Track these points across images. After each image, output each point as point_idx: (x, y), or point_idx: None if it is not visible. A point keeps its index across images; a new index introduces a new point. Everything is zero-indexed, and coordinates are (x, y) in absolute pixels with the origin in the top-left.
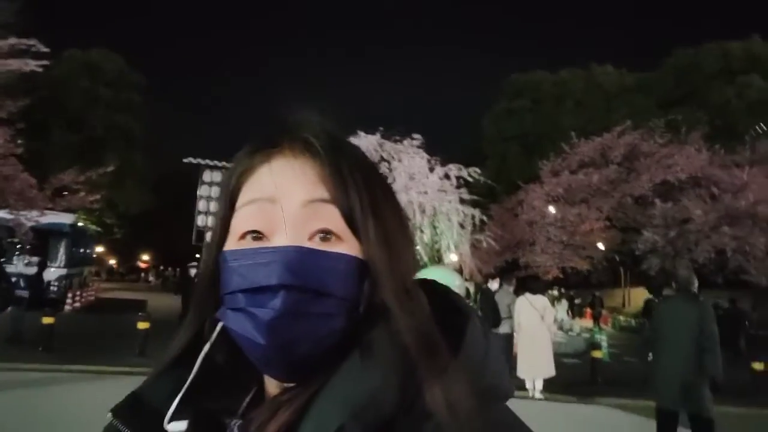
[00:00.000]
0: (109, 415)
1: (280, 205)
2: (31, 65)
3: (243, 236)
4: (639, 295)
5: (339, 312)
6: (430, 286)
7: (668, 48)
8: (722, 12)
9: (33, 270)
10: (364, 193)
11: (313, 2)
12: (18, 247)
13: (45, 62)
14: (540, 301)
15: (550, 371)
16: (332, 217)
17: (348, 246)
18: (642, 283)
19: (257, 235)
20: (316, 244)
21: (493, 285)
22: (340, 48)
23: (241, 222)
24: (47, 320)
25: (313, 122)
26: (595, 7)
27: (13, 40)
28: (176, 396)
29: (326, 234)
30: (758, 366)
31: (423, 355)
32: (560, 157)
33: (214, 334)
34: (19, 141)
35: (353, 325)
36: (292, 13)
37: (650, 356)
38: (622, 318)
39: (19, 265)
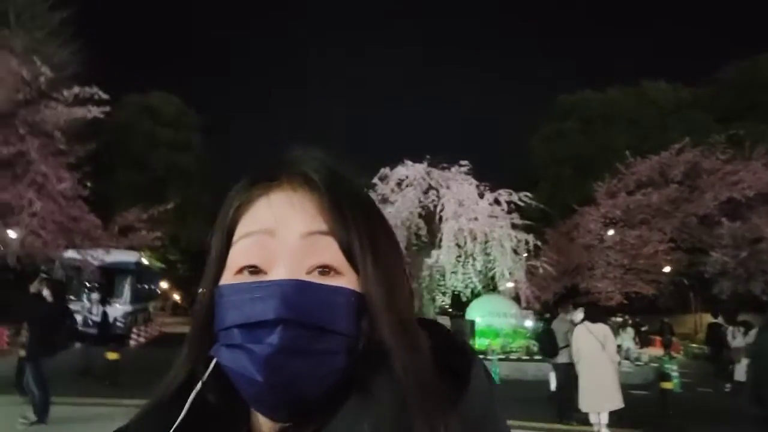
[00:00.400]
0: None
1: (279, 238)
2: (94, 112)
3: (240, 271)
4: (706, 321)
5: (340, 349)
6: (431, 325)
7: (722, 61)
8: None
9: (99, 307)
10: (362, 227)
11: (359, 32)
12: (86, 285)
13: (106, 108)
14: (600, 328)
15: (617, 403)
16: (331, 250)
17: (347, 280)
18: (713, 308)
19: (254, 269)
20: (315, 278)
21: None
22: (384, 77)
23: (238, 256)
24: (112, 356)
25: (313, 157)
26: (641, 22)
27: (76, 89)
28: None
29: (325, 268)
30: None
31: (420, 401)
32: (615, 178)
33: (207, 373)
34: (87, 183)
35: (353, 364)
36: (341, 43)
37: (727, 387)
38: (694, 345)
39: (87, 304)
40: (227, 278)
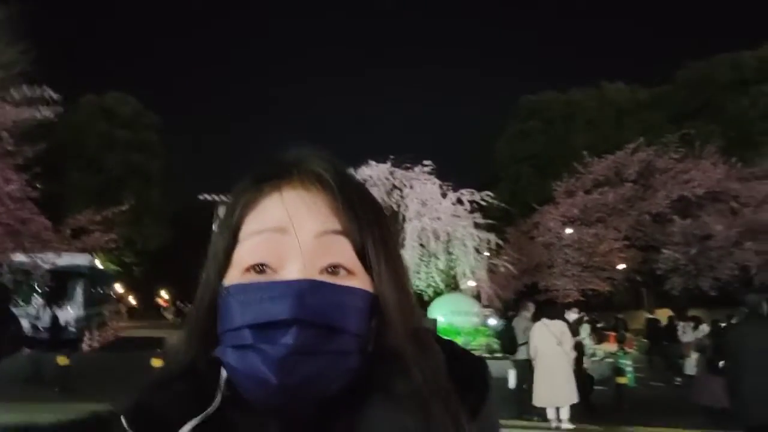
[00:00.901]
0: (124, 422)
1: (293, 236)
2: (44, 112)
3: (248, 269)
4: (663, 317)
5: (353, 350)
6: (438, 337)
7: (679, 61)
8: (732, 22)
9: (49, 312)
10: (375, 229)
11: (320, 26)
12: (36, 289)
13: (58, 109)
14: (557, 326)
15: (572, 398)
16: (344, 250)
17: (359, 281)
18: (666, 304)
19: (264, 268)
20: (328, 278)
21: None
22: (346, 73)
23: (246, 254)
24: (63, 361)
25: (322, 156)
26: (602, 25)
27: (25, 90)
28: (185, 415)
29: (337, 268)
30: None
31: (442, 407)
32: (574, 177)
33: (222, 378)
34: (37, 185)
35: (364, 365)
36: (299, 39)
37: (678, 380)
38: (645, 341)
39: (36, 308)
40: (234, 277)
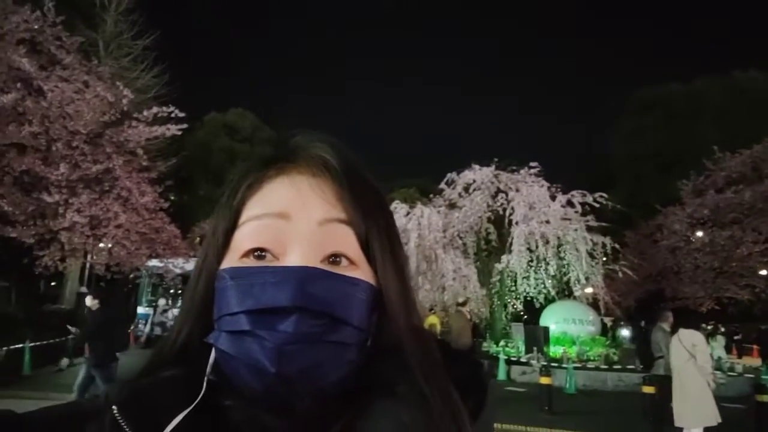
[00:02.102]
0: (114, 408)
1: (296, 222)
2: (172, 130)
3: (247, 254)
4: None
5: (352, 341)
6: (435, 337)
7: None
8: None
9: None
10: (381, 221)
11: (423, 37)
12: (168, 291)
13: (183, 126)
14: (687, 336)
15: (706, 419)
16: (348, 240)
17: (362, 272)
18: None
19: (264, 253)
20: (330, 267)
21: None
22: (444, 80)
23: (247, 237)
24: None
25: (330, 143)
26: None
27: (155, 109)
28: (177, 404)
29: (340, 257)
30: None
31: (443, 407)
32: (703, 175)
33: (210, 363)
34: (170, 197)
35: (364, 359)
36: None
37: None
38: None
39: (165, 309)
40: (232, 260)
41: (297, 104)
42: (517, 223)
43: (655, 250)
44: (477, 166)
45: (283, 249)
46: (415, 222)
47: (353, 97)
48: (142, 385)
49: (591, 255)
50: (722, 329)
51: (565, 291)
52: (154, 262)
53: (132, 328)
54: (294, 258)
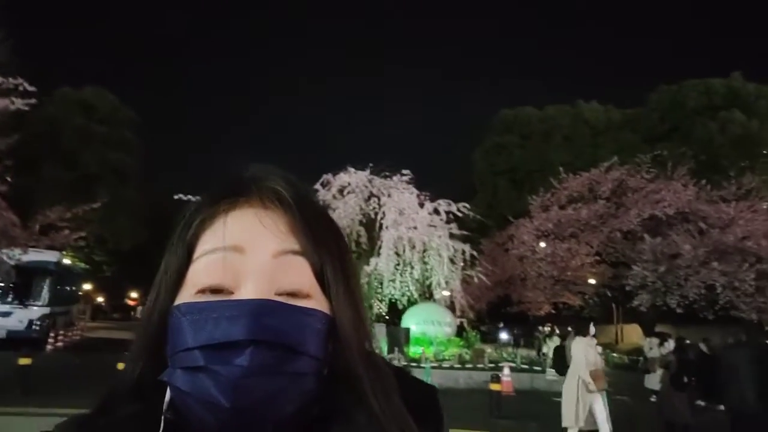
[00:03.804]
0: None
1: (249, 256)
2: (18, 104)
3: (203, 290)
4: (632, 332)
5: (310, 372)
6: (385, 359)
7: (653, 84)
8: (704, 50)
9: (12, 309)
10: (334, 250)
11: (311, 32)
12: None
13: (32, 100)
14: (574, 344)
15: (569, 421)
16: (302, 271)
17: (317, 302)
18: (634, 320)
19: (218, 289)
20: (285, 299)
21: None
22: (328, 82)
23: (200, 273)
24: (24, 361)
25: (280, 175)
26: (581, 43)
27: None
28: None
29: (295, 289)
30: None
31: (397, 430)
32: (549, 192)
33: (166, 401)
34: (6, 178)
35: (320, 388)
36: (286, 45)
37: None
38: (615, 355)
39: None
40: (186, 297)
41: (163, 88)
42: (387, 227)
43: (506, 258)
44: (352, 169)
45: (237, 283)
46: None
47: (231, 85)
48: (98, 425)
49: (452, 260)
50: (557, 331)
51: (426, 294)
52: None
53: None
54: (248, 291)
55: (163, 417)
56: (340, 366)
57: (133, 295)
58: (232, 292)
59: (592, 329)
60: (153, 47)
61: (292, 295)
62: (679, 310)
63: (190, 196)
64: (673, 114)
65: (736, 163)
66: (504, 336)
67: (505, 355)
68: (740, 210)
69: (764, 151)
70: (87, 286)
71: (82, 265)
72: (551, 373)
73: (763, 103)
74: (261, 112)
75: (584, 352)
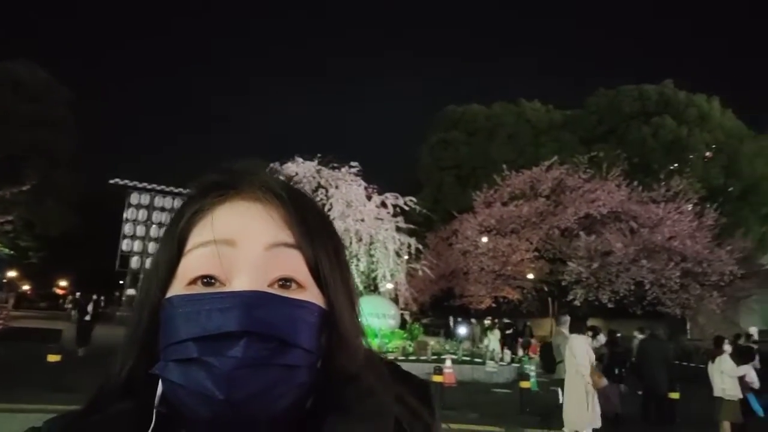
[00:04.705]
0: None
1: (242, 248)
2: None
3: (194, 281)
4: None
5: (304, 364)
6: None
7: (592, 87)
8: (639, 58)
9: None
10: (328, 243)
11: (255, 22)
12: None
13: None
14: (576, 343)
15: (580, 424)
16: (296, 264)
17: (310, 294)
18: (569, 313)
19: (210, 280)
20: (278, 291)
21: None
22: (279, 72)
23: (192, 266)
24: None
25: (272, 169)
26: (527, 44)
27: None
28: None
29: (288, 281)
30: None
31: (394, 424)
32: (493, 189)
33: (158, 395)
34: None
35: (315, 381)
36: (229, 30)
37: None
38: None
39: None
40: (177, 289)
41: (101, 68)
42: (334, 219)
43: (449, 253)
44: (300, 159)
45: (230, 276)
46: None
47: (164, 70)
48: (89, 422)
49: (398, 254)
50: (498, 324)
51: (371, 286)
52: None
53: None
54: (241, 283)
55: (155, 411)
56: (335, 359)
57: (62, 283)
58: (224, 284)
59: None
60: (89, 24)
61: (286, 287)
62: (610, 305)
63: (127, 181)
64: (610, 117)
65: (665, 166)
66: (463, 331)
67: (447, 347)
68: (668, 211)
69: (691, 156)
70: (11, 273)
71: (7, 250)
72: (491, 365)
73: (693, 111)
74: (204, 95)
75: (586, 350)
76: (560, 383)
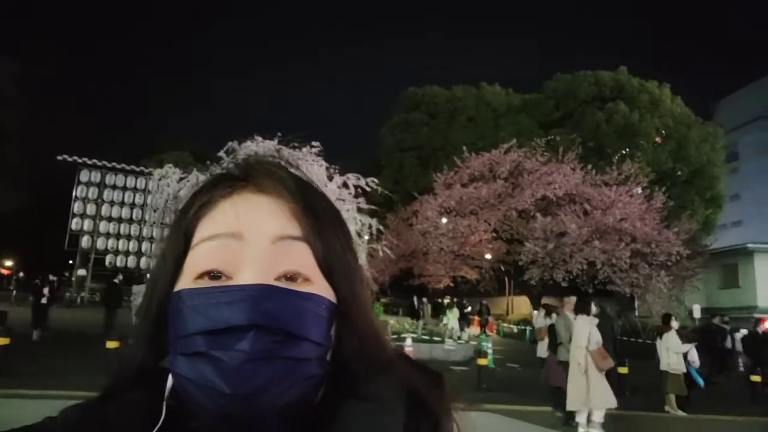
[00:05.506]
0: None
1: (248, 241)
2: None
3: (201, 276)
4: (522, 303)
5: (311, 357)
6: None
7: (550, 71)
8: (596, 44)
9: None
10: (337, 236)
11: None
12: None
13: None
14: (578, 324)
15: (576, 404)
16: (303, 256)
17: (316, 288)
18: (525, 292)
19: (218, 274)
20: (285, 284)
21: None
22: (240, 51)
23: (199, 259)
24: None
25: (279, 161)
26: (491, 26)
27: None
28: (137, 429)
29: (295, 274)
30: (623, 369)
31: (408, 420)
32: (453, 171)
33: (168, 387)
34: None
35: (324, 373)
36: (189, 8)
37: None
38: (505, 325)
39: None
40: (185, 283)
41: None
42: None
43: (410, 233)
44: (259, 138)
45: (237, 269)
46: (189, 189)
47: (121, 41)
48: (102, 410)
49: (359, 234)
50: (456, 302)
51: None
52: None
53: None
54: (247, 276)
55: (165, 403)
56: (346, 351)
57: (8, 263)
58: (231, 278)
59: (594, 308)
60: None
61: (293, 280)
62: (564, 284)
63: (76, 158)
64: (566, 102)
65: (617, 150)
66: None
67: (407, 326)
68: (619, 194)
69: (642, 141)
70: None
71: None
72: (449, 343)
73: (645, 97)
74: (158, 71)
75: (588, 331)
76: (563, 364)
